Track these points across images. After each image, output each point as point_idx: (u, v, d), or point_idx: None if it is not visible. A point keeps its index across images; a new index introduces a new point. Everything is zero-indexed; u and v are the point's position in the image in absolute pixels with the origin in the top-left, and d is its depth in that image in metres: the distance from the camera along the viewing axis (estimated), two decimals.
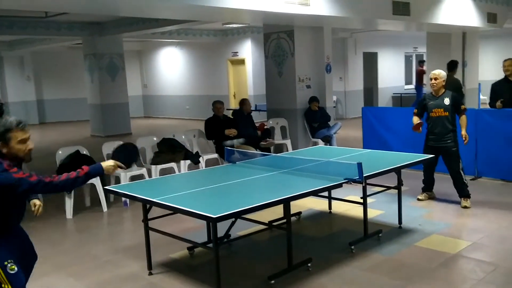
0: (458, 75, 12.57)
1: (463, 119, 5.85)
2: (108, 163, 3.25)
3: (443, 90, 5.85)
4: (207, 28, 15.64)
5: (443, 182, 7.02)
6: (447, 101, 5.78)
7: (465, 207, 5.80)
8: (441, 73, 5.84)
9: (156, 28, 12.06)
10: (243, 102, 8.65)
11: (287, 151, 8.88)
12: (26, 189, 2.87)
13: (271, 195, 3.88)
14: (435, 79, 5.78)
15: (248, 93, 16.29)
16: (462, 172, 5.86)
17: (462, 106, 5.86)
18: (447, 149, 5.79)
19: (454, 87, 8.82)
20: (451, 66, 9.17)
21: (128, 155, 6.41)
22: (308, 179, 4.35)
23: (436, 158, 5.77)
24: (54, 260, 4.74)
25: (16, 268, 2.92)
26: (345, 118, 16.59)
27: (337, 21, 9.35)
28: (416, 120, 5.96)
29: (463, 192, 5.88)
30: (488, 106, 7.86)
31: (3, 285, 2.93)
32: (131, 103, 16.66)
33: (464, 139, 5.80)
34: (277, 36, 9.86)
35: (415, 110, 6.06)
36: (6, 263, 2.89)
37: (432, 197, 6.24)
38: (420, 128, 5.93)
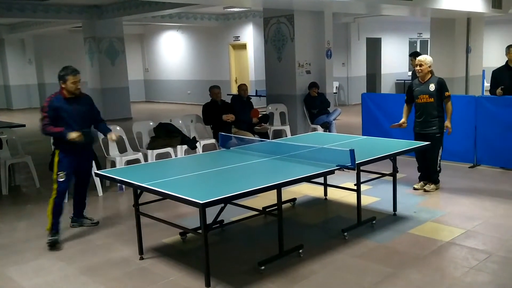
0: (462, 61, 12.53)
1: (448, 106, 5.75)
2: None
3: (429, 76, 5.76)
4: (208, 12, 15.50)
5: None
6: (432, 87, 5.70)
7: (425, 190, 5.88)
8: (427, 59, 5.74)
9: (156, 11, 11.94)
10: (239, 87, 8.62)
11: (286, 137, 8.83)
12: None
13: (262, 181, 3.84)
14: (420, 65, 5.72)
15: (249, 78, 16.19)
16: (438, 160, 5.84)
17: (446, 93, 5.71)
18: (431, 135, 5.73)
19: None
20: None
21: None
22: (300, 166, 4.30)
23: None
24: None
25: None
26: (348, 105, 16.49)
27: (337, 5, 9.21)
28: (405, 111, 6.05)
29: (432, 177, 5.93)
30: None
31: None
32: (133, 87, 16.62)
33: (445, 129, 5.75)
34: (277, 20, 9.73)
35: (406, 98, 6.05)
36: None
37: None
38: (404, 125, 6.01)
